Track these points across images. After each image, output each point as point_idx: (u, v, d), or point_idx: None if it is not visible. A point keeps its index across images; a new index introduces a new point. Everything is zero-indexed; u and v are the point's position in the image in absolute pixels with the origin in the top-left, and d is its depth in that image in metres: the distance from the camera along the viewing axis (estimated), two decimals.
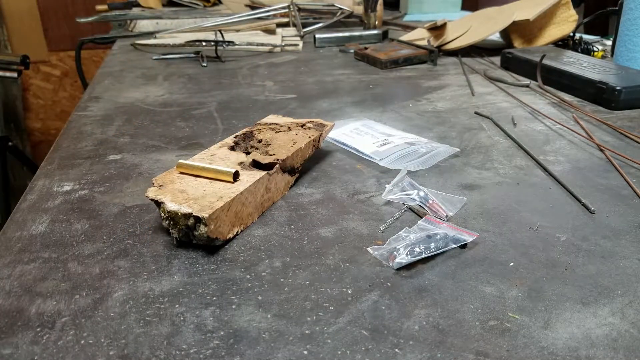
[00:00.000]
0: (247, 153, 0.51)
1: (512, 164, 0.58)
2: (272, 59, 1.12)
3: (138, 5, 1.80)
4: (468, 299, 0.36)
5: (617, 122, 0.70)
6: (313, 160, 0.59)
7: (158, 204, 0.42)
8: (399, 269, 0.39)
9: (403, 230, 0.43)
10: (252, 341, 0.32)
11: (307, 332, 0.33)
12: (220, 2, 1.85)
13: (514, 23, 1.07)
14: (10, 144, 1.86)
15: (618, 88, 0.74)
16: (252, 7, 1.61)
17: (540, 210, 0.48)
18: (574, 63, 0.87)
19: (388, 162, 0.57)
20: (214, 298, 0.36)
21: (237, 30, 1.39)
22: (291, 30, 1.41)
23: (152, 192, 0.43)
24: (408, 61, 1.04)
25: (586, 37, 1.21)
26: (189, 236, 0.41)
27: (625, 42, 0.91)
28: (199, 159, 0.49)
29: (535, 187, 0.52)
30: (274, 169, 0.48)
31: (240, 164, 0.49)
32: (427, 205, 0.48)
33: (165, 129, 0.69)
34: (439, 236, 0.41)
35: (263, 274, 0.39)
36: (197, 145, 0.64)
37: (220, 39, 1.14)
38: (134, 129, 0.69)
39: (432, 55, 1.04)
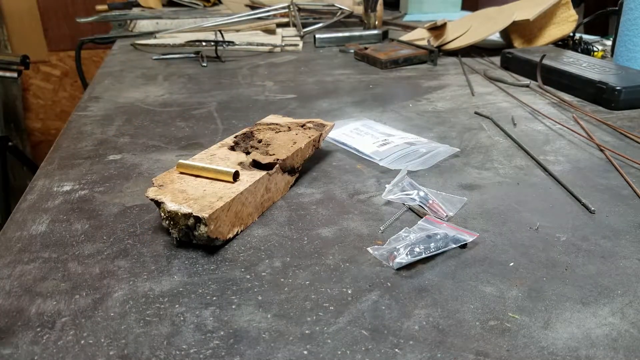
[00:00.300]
0: (247, 153, 0.51)
1: (512, 164, 0.58)
2: (272, 59, 1.12)
3: (138, 5, 1.80)
4: (468, 299, 0.36)
5: (617, 122, 0.70)
6: (313, 160, 0.59)
7: (158, 204, 0.42)
8: (399, 269, 0.39)
9: (403, 230, 0.43)
10: (252, 341, 0.32)
11: (307, 332, 0.33)
12: (220, 2, 1.85)
13: (514, 23, 1.07)
14: (10, 144, 1.86)
15: (618, 88, 0.74)
16: (252, 7, 1.61)
17: (540, 210, 0.48)
18: (574, 63, 0.87)
19: (388, 162, 0.57)
20: (214, 298, 0.36)
21: (237, 30, 1.39)
22: (291, 30, 1.41)
23: (152, 192, 0.43)
24: (408, 61, 1.04)
25: (586, 37, 1.21)
26: (189, 236, 0.41)
27: (625, 42, 0.91)
28: (199, 159, 0.49)
29: (535, 187, 0.52)
30: (274, 169, 0.48)
31: (240, 164, 0.49)
32: (427, 205, 0.48)
33: (165, 129, 0.69)
34: (439, 236, 0.41)
35: (263, 274, 0.39)
36: (197, 145, 0.64)
37: (220, 39, 1.14)
38: (134, 129, 0.69)
39: (432, 55, 1.04)
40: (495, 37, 1.20)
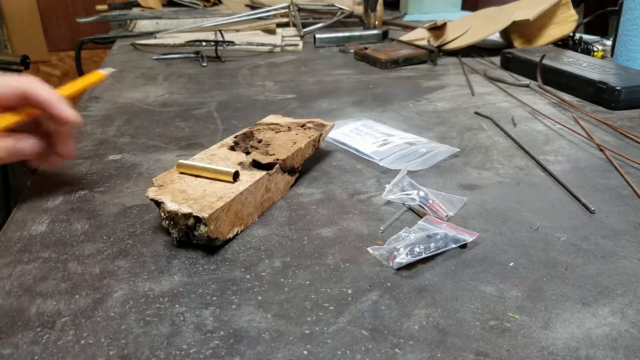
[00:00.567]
0: (247, 153, 0.51)
1: (512, 164, 0.58)
2: (272, 59, 1.13)
3: (138, 5, 1.80)
4: (468, 299, 0.36)
5: (617, 122, 0.70)
6: (313, 160, 0.59)
7: (158, 204, 0.42)
8: (399, 269, 0.39)
9: (403, 230, 0.43)
10: (252, 341, 0.32)
11: (307, 332, 0.33)
12: (220, 2, 1.85)
13: (514, 23, 1.07)
14: None
15: (618, 88, 0.74)
16: (252, 7, 1.61)
17: (540, 210, 0.48)
18: (573, 63, 0.87)
19: (388, 162, 0.57)
20: (214, 298, 0.36)
21: (237, 30, 1.39)
22: (291, 30, 1.41)
23: (152, 192, 0.43)
24: (408, 61, 1.04)
25: (586, 37, 1.21)
26: (189, 236, 0.41)
27: (625, 42, 0.91)
28: (199, 159, 0.49)
29: (535, 187, 0.52)
30: (274, 169, 0.48)
31: (240, 164, 0.49)
32: (427, 205, 0.48)
33: (165, 129, 0.69)
34: (439, 236, 0.41)
35: (263, 274, 0.39)
36: (197, 145, 0.64)
37: (220, 39, 1.14)
38: (134, 129, 0.69)
39: (432, 55, 1.04)
40: (495, 37, 1.20)
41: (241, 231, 0.44)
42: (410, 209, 0.48)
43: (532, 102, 0.79)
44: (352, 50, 1.15)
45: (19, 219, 0.47)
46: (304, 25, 1.38)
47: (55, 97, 0.48)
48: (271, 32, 1.38)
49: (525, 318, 0.34)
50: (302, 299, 0.36)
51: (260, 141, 0.54)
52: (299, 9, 1.46)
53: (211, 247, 0.42)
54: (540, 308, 0.35)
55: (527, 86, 0.87)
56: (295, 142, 0.53)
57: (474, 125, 0.70)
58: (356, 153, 0.60)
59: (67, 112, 0.48)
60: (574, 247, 0.42)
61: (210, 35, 1.23)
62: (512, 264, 0.40)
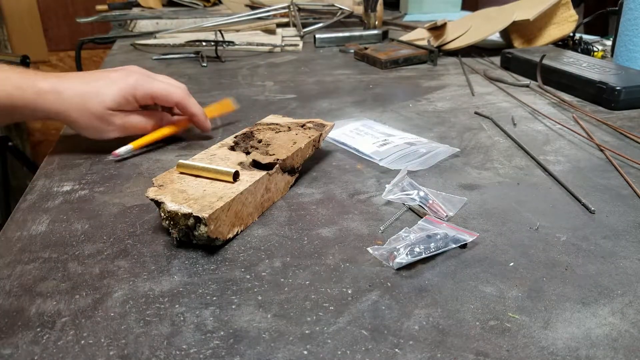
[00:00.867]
0: (247, 153, 0.51)
1: (512, 164, 0.58)
2: (272, 59, 1.12)
3: (138, 5, 1.80)
4: (468, 299, 0.36)
5: (617, 122, 0.70)
6: (313, 160, 0.59)
7: (158, 204, 0.42)
8: (399, 269, 0.39)
9: (403, 230, 0.43)
10: (252, 341, 0.32)
11: (307, 332, 0.33)
12: (220, 2, 1.85)
13: (514, 23, 1.07)
14: (10, 144, 1.86)
15: (618, 88, 0.74)
16: (252, 7, 1.61)
17: (540, 210, 0.48)
18: (574, 63, 0.87)
19: (388, 162, 0.57)
20: (214, 298, 0.36)
21: (237, 30, 1.39)
22: (291, 30, 1.41)
23: (152, 192, 0.43)
24: (408, 61, 1.04)
25: (586, 37, 1.21)
26: (189, 236, 0.41)
27: (625, 42, 0.91)
28: (199, 159, 0.49)
29: (535, 187, 0.52)
30: (274, 169, 0.48)
31: (240, 164, 0.49)
32: (427, 205, 0.48)
33: None
34: (439, 236, 0.41)
35: (263, 274, 0.39)
36: (197, 146, 0.64)
37: (220, 39, 1.14)
38: None
39: (432, 55, 1.04)
40: (495, 37, 1.20)
41: (241, 231, 0.44)
42: (410, 209, 0.48)
43: (532, 102, 0.79)
44: (352, 50, 1.15)
45: (19, 219, 0.47)
46: (304, 25, 1.38)
47: (201, 112, 0.64)
48: (271, 32, 1.38)
49: (525, 318, 0.34)
50: (302, 299, 0.36)
51: (260, 141, 0.54)
52: (299, 9, 1.46)
53: (211, 247, 0.42)
54: (540, 308, 0.35)
55: (527, 86, 0.87)
56: (295, 142, 0.53)
57: (474, 125, 0.70)
58: (356, 153, 0.60)
59: (208, 125, 0.66)
60: (574, 247, 0.42)
61: (210, 35, 1.23)
62: (512, 264, 0.40)
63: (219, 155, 0.50)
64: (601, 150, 0.61)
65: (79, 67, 1.36)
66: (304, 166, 0.55)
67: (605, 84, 0.76)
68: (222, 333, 0.33)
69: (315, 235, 0.44)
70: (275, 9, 1.44)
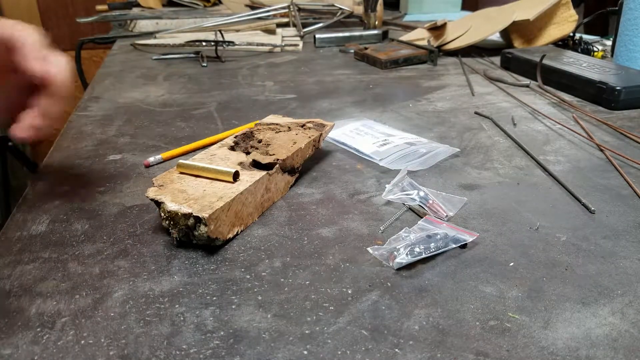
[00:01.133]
0: (247, 153, 0.51)
1: (512, 164, 0.58)
2: (272, 59, 1.12)
3: (138, 5, 1.80)
4: (468, 299, 0.36)
5: (617, 122, 0.70)
6: (313, 160, 0.59)
7: (158, 204, 0.42)
8: (399, 269, 0.39)
9: (403, 230, 0.43)
10: (252, 341, 0.32)
11: (307, 332, 0.33)
12: (220, 2, 1.85)
13: (514, 23, 1.07)
14: (10, 144, 1.86)
15: (618, 88, 0.74)
16: (252, 7, 1.61)
17: (540, 210, 0.48)
18: (574, 63, 0.87)
19: (388, 162, 0.57)
20: (214, 298, 0.36)
21: (237, 30, 1.39)
22: (291, 30, 1.41)
23: (152, 192, 0.43)
24: (408, 61, 1.04)
25: (586, 37, 1.21)
26: (189, 236, 0.41)
27: (625, 42, 0.91)
28: (199, 159, 0.49)
29: (535, 187, 0.52)
30: (274, 169, 0.48)
31: (240, 164, 0.49)
32: (427, 205, 0.48)
33: (165, 129, 0.69)
34: (439, 236, 0.41)
35: (263, 274, 0.39)
36: None
37: (220, 39, 1.14)
38: (134, 129, 0.69)
39: (432, 55, 1.04)
40: (495, 37, 1.20)
41: (241, 231, 0.44)
42: (410, 209, 0.48)
43: (532, 102, 0.79)
44: (352, 50, 1.15)
45: (19, 219, 0.47)
46: (304, 25, 1.38)
47: (38, 48, 0.37)
48: (271, 32, 1.38)
49: (525, 318, 0.34)
50: (302, 299, 0.36)
51: (260, 141, 0.54)
52: (299, 9, 1.46)
53: (211, 247, 0.42)
54: (540, 308, 0.35)
55: (527, 86, 0.87)
56: (295, 142, 0.53)
57: (474, 125, 0.70)
58: (356, 153, 0.60)
59: (51, 69, 0.36)
60: (574, 247, 0.42)
61: (210, 35, 1.23)
62: (512, 264, 0.40)
63: (219, 155, 0.50)
64: (601, 150, 0.61)
65: (79, 67, 1.36)
66: (304, 166, 0.55)
67: (605, 84, 0.76)
68: (222, 333, 0.33)
69: (315, 235, 0.44)
70: (275, 9, 1.44)
